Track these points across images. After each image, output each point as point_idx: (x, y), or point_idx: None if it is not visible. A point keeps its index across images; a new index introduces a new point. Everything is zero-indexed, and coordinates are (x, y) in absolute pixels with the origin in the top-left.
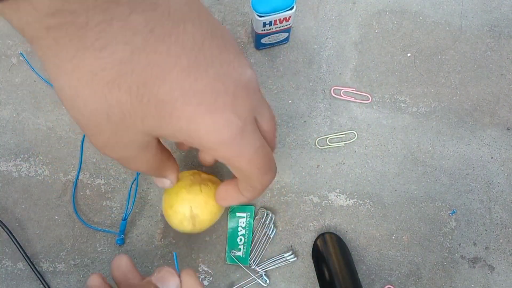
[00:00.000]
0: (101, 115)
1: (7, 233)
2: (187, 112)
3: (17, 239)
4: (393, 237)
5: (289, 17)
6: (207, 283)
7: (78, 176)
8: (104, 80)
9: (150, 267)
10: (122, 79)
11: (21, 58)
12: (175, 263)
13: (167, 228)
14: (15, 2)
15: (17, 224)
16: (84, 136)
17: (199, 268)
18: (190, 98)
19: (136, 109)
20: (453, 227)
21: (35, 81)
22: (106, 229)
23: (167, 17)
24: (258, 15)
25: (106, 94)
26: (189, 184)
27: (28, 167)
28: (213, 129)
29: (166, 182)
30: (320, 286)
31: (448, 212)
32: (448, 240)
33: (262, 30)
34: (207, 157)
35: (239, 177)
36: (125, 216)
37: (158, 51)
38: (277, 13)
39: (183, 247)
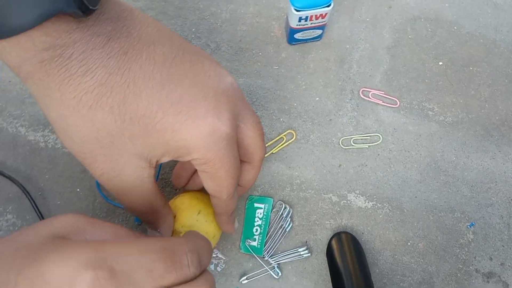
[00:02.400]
0: (92, 141)
1: (29, 200)
2: (169, 122)
3: (39, 208)
4: (409, 243)
5: (326, 14)
6: (220, 269)
7: None
8: (88, 104)
9: None
10: (103, 100)
11: None
12: None
13: None
14: (16, 38)
15: (40, 193)
16: None
17: (213, 254)
18: (169, 109)
19: (122, 129)
20: (470, 240)
21: None
22: None
23: (138, 41)
24: (295, 9)
25: (92, 118)
26: (187, 214)
27: (55, 138)
28: (198, 134)
29: None
30: (332, 284)
31: (467, 224)
32: (464, 252)
33: (297, 25)
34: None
35: (211, 190)
36: None
37: (132, 70)
38: (314, 9)
39: None
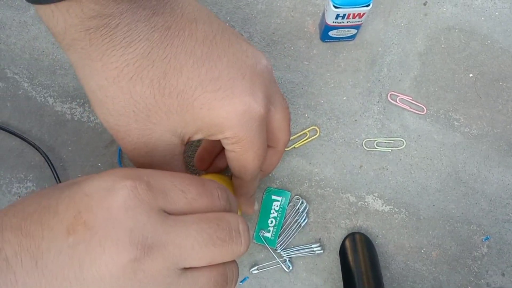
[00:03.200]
0: (128, 114)
1: (51, 170)
2: (207, 99)
3: (60, 179)
4: (422, 251)
5: (363, 13)
6: None
7: None
8: (128, 76)
9: None
10: (144, 73)
11: None
12: None
13: None
14: (67, 3)
15: (61, 164)
16: None
17: None
18: (207, 86)
19: (160, 103)
20: (483, 253)
21: None
22: None
23: (181, 17)
24: (334, 6)
25: (131, 90)
26: None
27: (81, 112)
28: (234, 112)
29: None
30: (344, 283)
31: (482, 237)
32: (476, 265)
33: (333, 22)
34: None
35: (236, 171)
36: None
37: (174, 45)
38: (353, 7)
39: None
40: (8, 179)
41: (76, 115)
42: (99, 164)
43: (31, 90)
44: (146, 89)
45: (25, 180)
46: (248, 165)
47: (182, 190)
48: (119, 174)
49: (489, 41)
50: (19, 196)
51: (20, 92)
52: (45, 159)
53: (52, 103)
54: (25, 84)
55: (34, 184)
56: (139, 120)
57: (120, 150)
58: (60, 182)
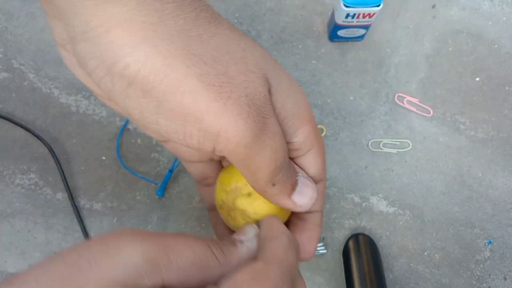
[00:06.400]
0: None
1: (55, 162)
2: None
3: (63, 171)
4: (426, 253)
5: (373, 14)
6: None
7: (127, 121)
8: None
9: (183, 226)
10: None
11: None
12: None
13: None
14: None
15: (65, 156)
16: None
17: None
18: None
19: None
20: (486, 257)
21: None
22: (149, 178)
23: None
24: (344, 5)
25: None
26: None
27: (87, 104)
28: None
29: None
30: (346, 284)
31: (485, 241)
32: (479, 269)
33: (343, 21)
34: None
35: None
36: (172, 167)
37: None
38: (364, 7)
39: None
40: (11, 170)
41: (81, 108)
42: (103, 157)
43: (37, 81)
44: None
45: (29, 172)
46: (259, 173)
47: None
48: None
49: (496, 46)
50: (22, 188)
51: (25, 83)
52: (49, 150)
53: (58, 95)
54: (31, 75)
55: (37, 176)
56: None
57: (118, 142)
58: (64, 174)
